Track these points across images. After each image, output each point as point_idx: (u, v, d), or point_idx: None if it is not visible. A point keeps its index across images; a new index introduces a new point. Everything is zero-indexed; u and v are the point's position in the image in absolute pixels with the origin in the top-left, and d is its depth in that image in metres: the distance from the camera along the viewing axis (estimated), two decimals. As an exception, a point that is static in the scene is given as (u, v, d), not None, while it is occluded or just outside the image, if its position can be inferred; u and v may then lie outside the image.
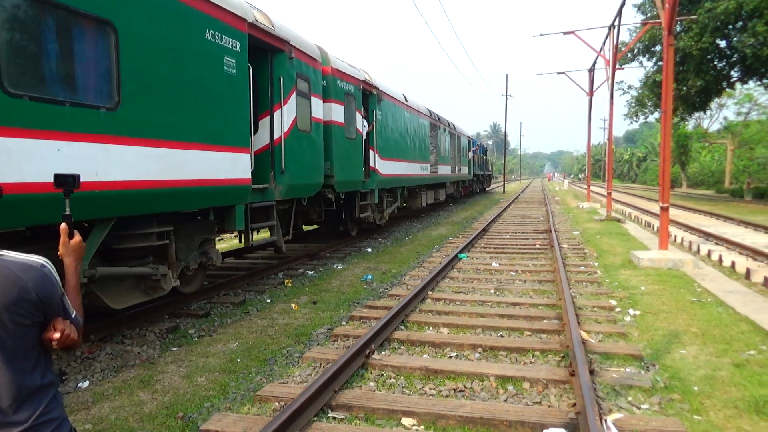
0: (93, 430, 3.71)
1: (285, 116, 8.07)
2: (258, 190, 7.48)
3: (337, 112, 10.36)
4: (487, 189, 46.07)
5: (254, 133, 7.75)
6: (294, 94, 8.38)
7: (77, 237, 1.81)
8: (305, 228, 14.35)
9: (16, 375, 1.50)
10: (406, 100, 15.99)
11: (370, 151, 12.61)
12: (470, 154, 30.63)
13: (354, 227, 13.31)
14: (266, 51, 7.92)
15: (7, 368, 1.48)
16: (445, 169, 22.22)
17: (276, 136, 8.00)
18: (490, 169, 51.09)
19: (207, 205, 6.41)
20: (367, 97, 12.58)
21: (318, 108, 9.39)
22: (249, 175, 6.99)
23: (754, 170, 46.96)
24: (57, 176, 1.86)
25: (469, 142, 30.31)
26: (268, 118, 8.02)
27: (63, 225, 1.78)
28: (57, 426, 1.56)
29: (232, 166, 6.57)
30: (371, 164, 12.57)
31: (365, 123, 12.14)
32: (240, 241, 8.77)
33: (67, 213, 1.82)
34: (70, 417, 3.88)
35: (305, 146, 8.84)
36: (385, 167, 13.54)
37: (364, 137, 12.06)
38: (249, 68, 7.05)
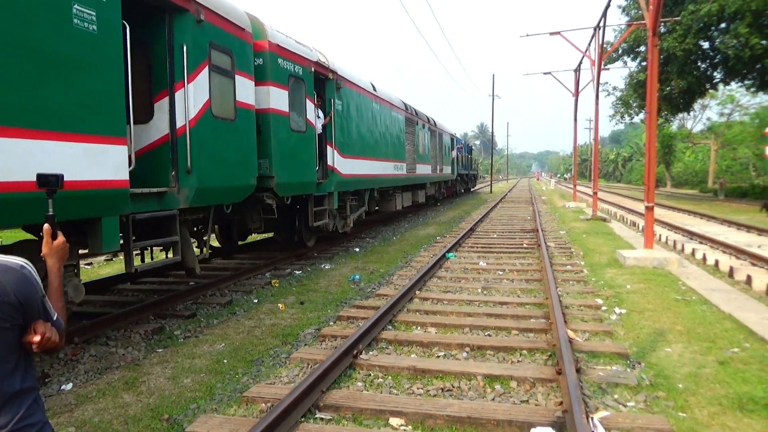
0: (76, 433, 3.65)
1: (192, 98, 6.20)
2: (148, 197, 5.82)
3: (277, 98, 8.40)
4: (472, 189, 45.13)
5: (148, 120, 6.24)
6: (206, 69, 6.49)
7: (61, 238, 1.77)
8: (256, 237, 13.13)
9: None
10: (375, 90, 14.00)
11: (328, 148, 10.68)
12: (454, 153, 29.50)
13: (311, 236, 11.55)
14: (162, 9, 6.08)
15: None
16: (424, 169, 20.44)
17: (179, 124, 6.15)
18: (475, 168, 49.61)
19: (35, 221, 4.40)
20: (323, 83, 10.67)
21: (247, 90, 7.48)
22: (124, 176, 5.21)
23: (737, 170, 47.71)
24: (39, 176, 1.82)
25: (452, 140, 29.06)
26: (167, 99, 6.17)
27: (46, 226, 1.74)
28: (38, 430, 1.52)
29: (91, 162, 4.79)
30: (329, 163, 10.64)
31: (320, 114, 10.32)
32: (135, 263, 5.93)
33: (50, 213, 1.79)
34: (53, 420, 3.82)
35: (225, 138, 6.98)
36: (348, 166, 11.65)
37: (319, 131, 10.20)
38: (124, 27, 5.28)
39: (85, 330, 5.69)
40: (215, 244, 11.30)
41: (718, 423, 3.61)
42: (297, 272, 9.35)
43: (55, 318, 1.63)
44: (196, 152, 6.29)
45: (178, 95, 6.19)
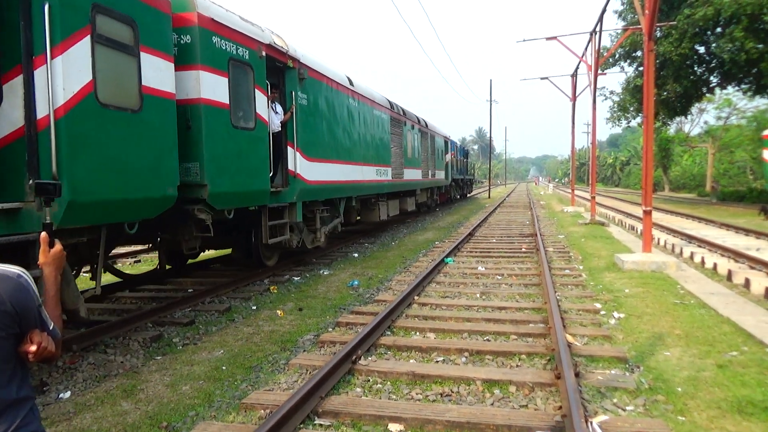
0: (75, 442, 3.64)
1: (60, 77, 4.56)
2: None
3: (213, 86, 6.78)
4: (468, 195, 43.22)
5: None
6: (87, 40, 4.86)
7: (58, 246, 1.77)
8: (210, 254, 11.45)
9: None
10: (352, 85, 12.35)
11: (289, 150, 8.99)
12: (447, 157, 27.56)
13: (271, 255, 9.84)
14: None
15: None
16: (413, 174, 18.61)
17: (40, 114, 4.52)
18: (471, 173, 47.46)
19: None
20: (282, 72, 9.00)
21: (161, 74, 5.81)
22: None
23: (735, 173, 47.82)
24: (38, 184, 1.83)
25: (445, 143, 27.18)
26: (20, 79, 4.52)
27: (43, 234, 1.74)
28: None
29: None
30: (290, 167, 8.95)
31: (278, 109, 8.74)
32: None
33: (48, 222, 1.79)
34: (51, 429, 3.82)
35: (123, 134, 5.33)
36: (316, 172, 9.94)
37: (276, 129, 8.64)
38: None
39: (83, 338, 5.68)
40: (148, 267, 10.54)
41: (717, 426, 3.61)
42: (296, 278, 9.34)
43: (51, 327, 1.62)
44: (68, 152, 4.60)
45: (39, 74, 4.49)
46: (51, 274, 1.73)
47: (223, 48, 7.08)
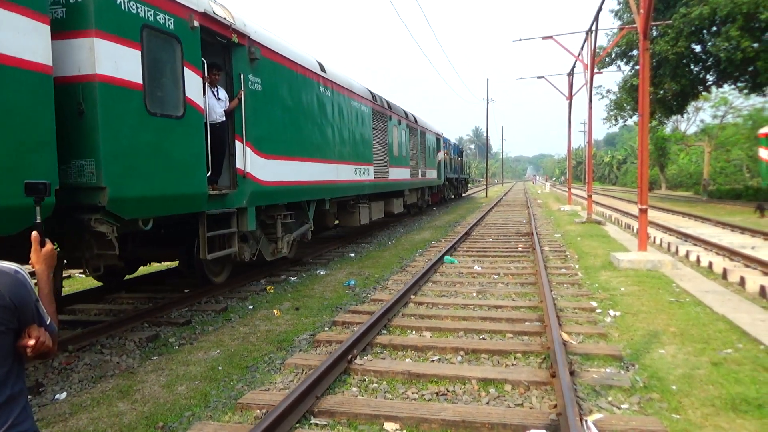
0: (70, 442, 3.64)
1: None
2: None
3: (115, 60, 5.25)
4: (463, 194, 41.60)
5: None
6: None
7: (49, 245, 1.79)
8: (152, 267, 10.06)
9: None
10: (324, 72, 10.55)
11: (237, 144, 7.53)
12: (440, 155, 26.13)
13: (221, 269, 8.38)
14: None
15: None
16: (400, 173, 17.08)
17: None
18: (467, 172, 45.66)
19: None
20: (228, 50, 7.48)
21: (22, 36, 4.43)
22: None
23: (731, 172, 47.98)
24: (28, 184, 1.83)
25: (438, 140, 25.83)
26: None
27: (34, 233, 1.76)
28: None
29: None
30: (239, 166, 7.49)
31: (219, 94, 7.31)
32: None
33: (38, 221, 1.80)
34: (47, 430, 3.82)
35: None
36: (274, 171, 8.31)
37: (217, 118, 7.19)
38: None
39: (79, 338, 5.68)
40: (81, 286, 9.19)
41: (712, 424, 3.63)
42: (292, 278, 9.34)
43: (48, 322, 1.65)
44: None
45: None
46: (44, 273, 1.75)
47: (134, 11, 5.50)
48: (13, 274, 1.56)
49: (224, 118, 7.36)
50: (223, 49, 7.48)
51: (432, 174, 23.62)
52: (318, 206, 10.62)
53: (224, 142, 7.46)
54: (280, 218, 8.89)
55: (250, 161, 7.71)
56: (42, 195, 1.83)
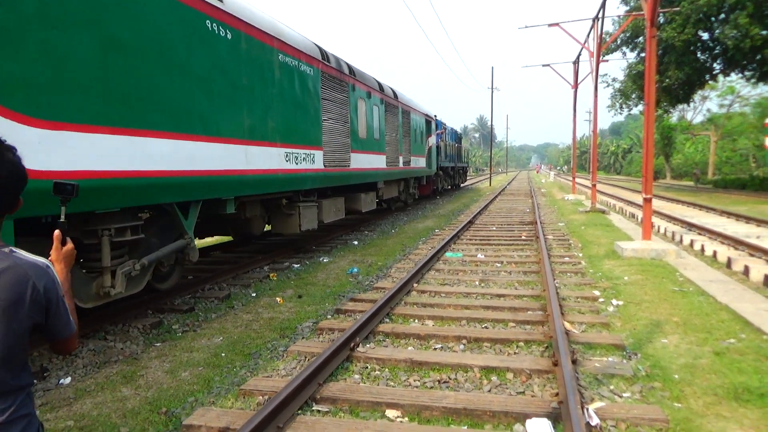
0: (75, 427, 3.67)
1: None
2: None
3: None
4: (462, 185, 37.56)
5: None
6: None
7: (69, 244, 1.84)
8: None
9: (7, 373, 1.49)
10: (222, 1, 6.84)
11: None
12: (431, 140, 22.31)
13: None
14: None
15: (3, 367, 1.48)
16: (369, 161, 13.29)
17: None
18: (465, 160, 40.13)
19: None
20: None
21: None
22: None
23: (737, 161, 47.69)
24: (56, 184, 1.86)
25: (428, 122, 21.83)
26: None
27: (57, 232, 1.80)
28: (28, 422, 1.55)
29: None
30: None
31: None
32: None
33: (62, 220, 1.83)
34: (52, 414, 3.85)
35: None
36: (76, 152, 4.62)
37: None
38: None
39: (83, 324, 5.71)
40: None
41: (714, 413, 3.63)
42: (295, 266, 9.35)
43: (69, 319, 1.67)
44: None
45: None
46: (62, 271, 1.80)
47: None
48: (46, 269, 1.58)
49: None
50: None
51: (419, 162, 19.93)
52: (211, 209, 7.20)
53: None
54: (109, 235, 5.31)
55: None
56: (69, 195, 1.86)
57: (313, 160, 9.74)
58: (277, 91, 8.37)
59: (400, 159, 16.81)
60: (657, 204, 18.52)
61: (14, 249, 1.56)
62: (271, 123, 8.18)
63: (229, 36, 7.06)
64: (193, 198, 6.45)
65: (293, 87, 8.98)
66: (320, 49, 10.31)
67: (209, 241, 11.61)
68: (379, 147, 14.33)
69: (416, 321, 5.92)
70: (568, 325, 5.36)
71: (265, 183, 8.02)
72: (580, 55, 24.28)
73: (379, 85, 14.56)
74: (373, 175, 13.78)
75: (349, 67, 12.05)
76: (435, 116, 23.92)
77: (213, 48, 6.68)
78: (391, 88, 16.13)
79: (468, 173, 46.53)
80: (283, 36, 8.66)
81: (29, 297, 1.50)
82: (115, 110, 5.07)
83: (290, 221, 9.61)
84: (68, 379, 4.52)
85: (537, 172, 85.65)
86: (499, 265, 8.97)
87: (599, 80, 19.55)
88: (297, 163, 9.06)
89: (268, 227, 10.72)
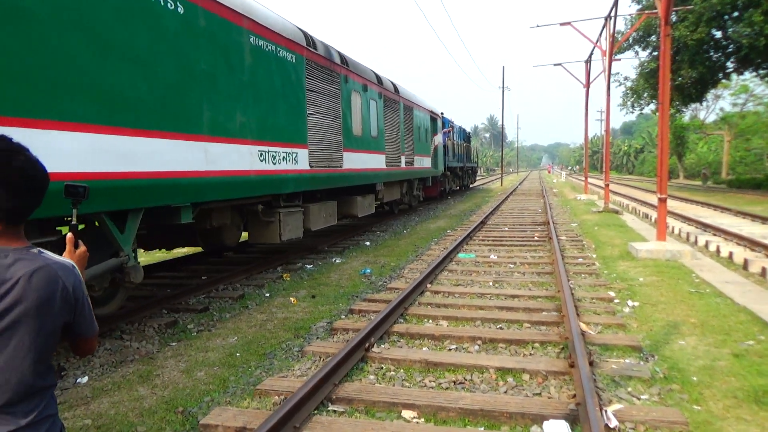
0: (92, 426, 3.69)
1: None
2: None
3: None
4: (471, 186, 36.66)
5: None
6: None
7: (82, 247, 1.84)
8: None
9: (35, 374, 1.51)
10: None
11: None
12: (437, 139, 21.11)
13: None
14: None
15: (32, 367, 1.49)
16: (366, 161, 12.13)
17: None
18: (475, 160, 38.96)
19: None
20: None
21: None
22: None
23: (751, 161, 47.16)
24: (68, 186, 1.86)
25: (433, 120, 20.66)
26: None
27: (70, 235, 1.81)
28: (52, 423, 1.57)
29: None
30: None
31: None
32: None
33: (74, 223, 1.84)
34: (70, 412, 3.88)
35: None
36: None
37: None
38: None
39: (99, 324, 5.73)
40: None
41: (734, 416, 3.59)
42: (308, 266, 9.37)
43: (92, 320, 1.68)
44: None
45: None
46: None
47: None
48: (72, 268, 1.59)
49: None
50: None
51: (424, 162, 18.67)
52: (161, 218, 6.09)
53: None
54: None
55: None
56: (81, 198, 1.87)
57: (295, 160, 8.54)
58: (247, 79, 7.19)
59: (402, 159, 15.66)
60: (671, 204, 18.34)
61: (42, 250, 1.57)
62: (241, 117, 7.01)
63: (180, 10, 5.84)
64: (129, 206, 5.28)
65: (270, 75, 7.76)
66: (304, 33, 9.06)
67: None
68: (377, 146, 13.11)
69: (430, 321, 5.90)
70: (583, 326, 5.32)
71: (233, 186, 6.87)
72: (592, 54, 24.13)
73: (378, 77, 13.37)
74: (370, 176, 12.50)
75: (341, 56, 10.77)
76: (441, 113, 22.64)
77: (157, 22, 5.50)
78: (392, 82, 14.93)
79: (478, 173, 46.07)
80: (256, 15, 7.40)
81: (60, 296, 1.51)
82: (1, 93, 3.90)
83: (269, 230, 8.38)
84: (85, 378, 4.56)
85: (549, 173, 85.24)
86: (512, 265, 8.93)
87: (611, 79, 19.40)
88: (275, 164, 7.89)
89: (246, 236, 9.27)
